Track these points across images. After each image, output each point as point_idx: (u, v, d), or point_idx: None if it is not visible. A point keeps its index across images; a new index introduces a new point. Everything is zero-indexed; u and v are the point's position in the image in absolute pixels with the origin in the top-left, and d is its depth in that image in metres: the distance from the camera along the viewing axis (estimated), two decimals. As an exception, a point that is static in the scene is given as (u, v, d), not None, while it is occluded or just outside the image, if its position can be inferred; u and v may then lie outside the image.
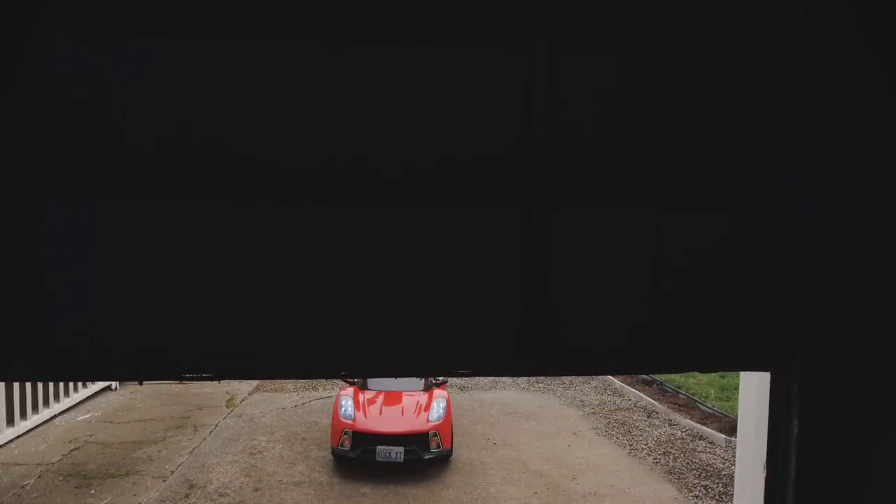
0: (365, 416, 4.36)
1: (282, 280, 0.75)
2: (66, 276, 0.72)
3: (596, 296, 0.81)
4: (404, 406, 4.52)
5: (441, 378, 4.89)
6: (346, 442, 4.22)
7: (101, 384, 5.99)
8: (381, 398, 4.61)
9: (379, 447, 4.16)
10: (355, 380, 4.72)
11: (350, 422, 4.30)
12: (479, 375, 0.85)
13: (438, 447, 4.28)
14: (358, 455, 4.17)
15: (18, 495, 3.79)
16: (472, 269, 0.78)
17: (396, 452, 4.15)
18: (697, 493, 4.11)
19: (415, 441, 4.23)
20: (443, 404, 4.54)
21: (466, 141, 0.77)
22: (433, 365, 0.81)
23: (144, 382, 6.49)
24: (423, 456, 4.20)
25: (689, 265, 0.83)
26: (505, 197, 0.78)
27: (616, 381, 7.05)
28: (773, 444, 0.95)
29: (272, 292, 0.75)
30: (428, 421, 4.35)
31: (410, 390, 4.70)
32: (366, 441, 4.18)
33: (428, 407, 4.48)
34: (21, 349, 0.73)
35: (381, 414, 4.43)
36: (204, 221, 0.73)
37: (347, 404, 4.44)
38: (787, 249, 0.84)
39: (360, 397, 4.56)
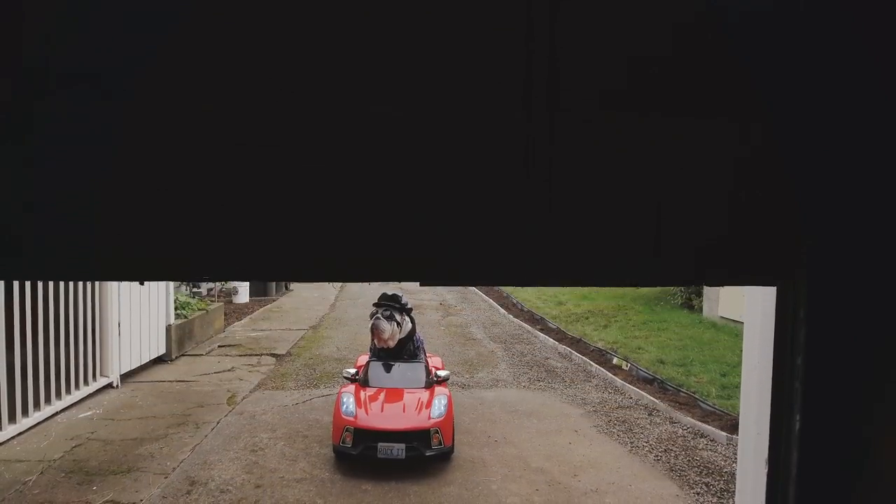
0: (366, 413, 4.36)
1: (266, 183, 0.73)
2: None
3: (600, 204, 0.78)
4: (406, 403, 4.50)
5: (443, 375, 4.90)
6: (348, 439, 4.23)
7: (101, 382, 6.00)
8: (382, 395, 4.60)
9: (380, 444, 4.17)
10: (357, 377, 4.77)
11: (351, 419, 4.30)
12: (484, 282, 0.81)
13: (440, 444, 4.29)
14: (359, 452, 4.18)
15: (21, 491, 3.79)
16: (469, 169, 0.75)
17: (398, 449, 4.16)
18: (699, 490, 4.12)
19: (416, 438, 4.23)
20: (444, 401, 4.52)
21: None
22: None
23: (145, 380, 6.49)
24: (425, 453, 4.22)
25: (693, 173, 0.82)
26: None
27: (617, 380, 7.06)
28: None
29: (259, 195, 0.73)
30: (430, 418, 4.35)
31: (412, 387, 4.69)
32: (367, 438, 4.18)
33: (429, 404, 4.47)
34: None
35: (382, 411, 4.43)
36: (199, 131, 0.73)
37: (349, 401, 4.44)
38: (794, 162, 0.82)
39: (362, 394, 4.55)
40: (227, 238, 0.74)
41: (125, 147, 0.73)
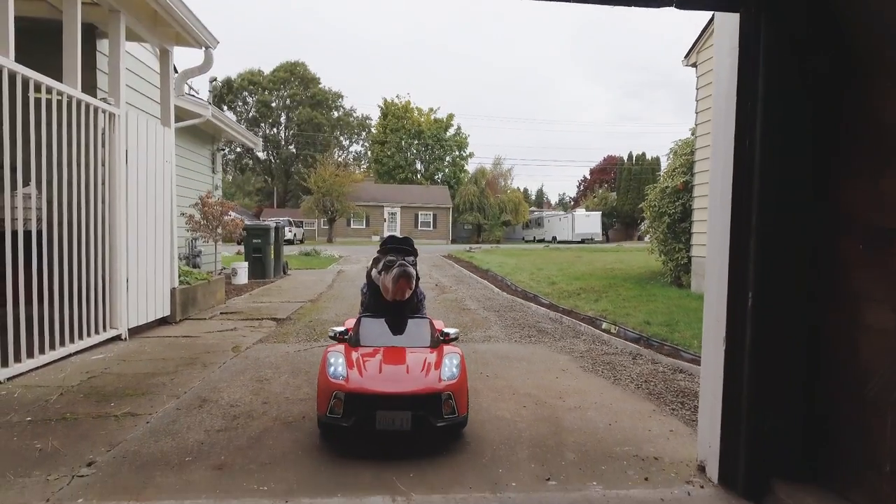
0: (360, 374, 3.44)
1: None
2: None
3: None
4: (409, 364, 3.56)
5: (452, 332, 3.98)
6: (338, 407, 3.33)
7: (111, 333, 6.27)
8: (380, 355, 3.65)
9: (380, 412, 3.29)
10: (346, 336, 3.88)
11: (342, 381, 3.38)
12: None
13: (453, 413, 3.42)
14: (352, 424, 3.31)
15: (44, 407, 4.07)
16: None
17: (402, 419, 3.29)
18: (674, 407, 4.42)
19: (424, 404, 3.35)
20: (456, 361, 3.64)
21: None
22: None
23: (151, 335, 6.76)
24: (436, 423, 3.36)
25: None
26: None
27: (605, 335, 7.37)
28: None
29: None
30: (440, 380, 3.45)
31: (415, 347, 3.79)
32: (362, 406, 3.31)
33: (439, 364, 3.58)
34: None
35: (380, 372, 3.49)
36: None
37: (337, 362, 3.52)
38: None
39: (354, 355, 3.63)
40: None
41: None
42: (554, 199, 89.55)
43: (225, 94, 61.48)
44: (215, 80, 42.21)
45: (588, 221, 54.72)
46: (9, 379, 4.63)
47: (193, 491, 2.84)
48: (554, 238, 53.68)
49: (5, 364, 4.64)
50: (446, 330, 4.03)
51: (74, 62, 5.57)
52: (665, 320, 7.91)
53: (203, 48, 7.83)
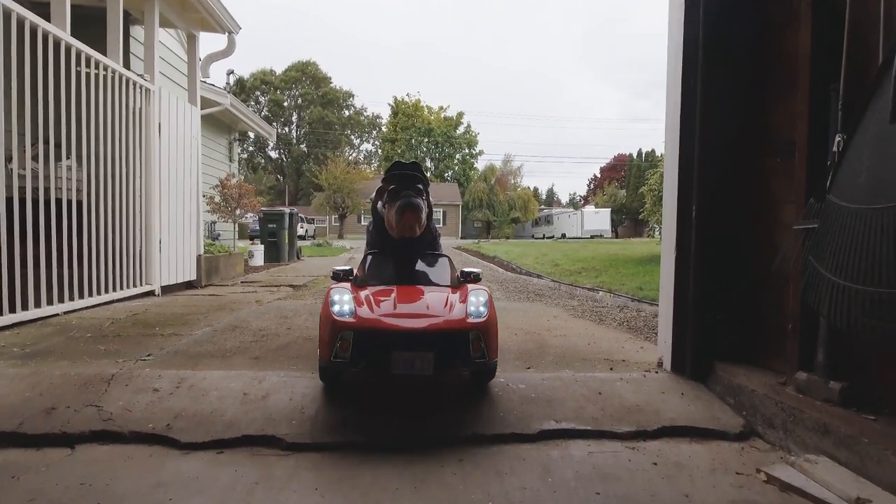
0: (371, 309, 2.82)
1: None
2: None
3: None
4: (429, 300, 2.97)
5: (474, 271, 3.41)
6: (344, 350, 2.72)
7: (146, 287, 6.93)
8: (394, 293, 3.03)
9: (396, 354, 2.68)
10: (352, 276, 3.27)
11: (349, 319, 2.76)
12: None
13: (483, 357, 2.83)
14: (362, 367, 2.77)
15: (99, 328, 4.72)
16: None
17: (423, 361, 2.68)
18: (648, 336, 4.99)
19: (450, 343, 2.74)
20: (483, 298, 3.04)
21: None
22: None
23: (181, 294, 7.42)
24: (463, 367, 2.89)
25: None
26: None
27: (597, 296, 7.94)
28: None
29: None
30: (467, 316, 2.84)
31: (433, 286, 3.23)
32: (376, 346, 2.70)
33: (464, 301, 2.97)
34: None
35: (395, 308, 2.86)
36: None
37: (343, 299, 2.89)
38: None
39: (362, 293, 3.00)
40: None
41: None
42: (565, 199, 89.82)
43: (237, 93, 62.53)
44: (232, 71, 43.09)
45: (597, 218, 55.11)
46: (65, 312, 5.30)
47: (236, 368, 3.47)
48: (563, 235, 54.07)
49: (61, 301, 5.30)
50: (467, 269, 3.42)
51: (117, 40, 6.24)
52: (658, 287, 8.46)
53: (226, 33, 8.50)
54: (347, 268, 3.30)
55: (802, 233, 2.64)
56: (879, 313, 2.15)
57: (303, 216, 45.38)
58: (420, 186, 3.42)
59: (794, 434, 2.65)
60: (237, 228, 14.51)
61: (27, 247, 4.77)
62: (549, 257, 17.37)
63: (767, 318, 3.17)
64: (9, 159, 4.80)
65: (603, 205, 60.23)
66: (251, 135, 19.64)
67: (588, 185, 78.27)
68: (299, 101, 66.95)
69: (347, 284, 3.13)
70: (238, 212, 13.18)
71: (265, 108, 65.47)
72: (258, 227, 15.87)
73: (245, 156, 63.91)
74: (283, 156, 68.61)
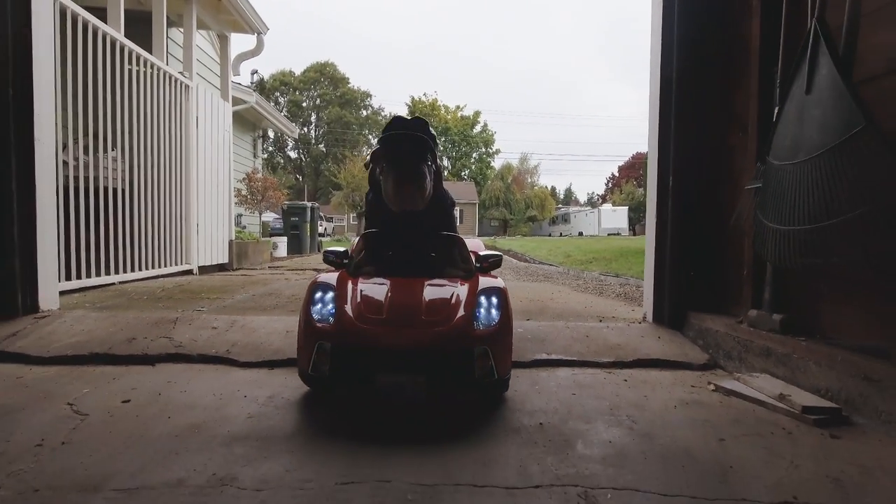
0: (354, 315, 2.26)
1: None
2: None
3: None
4: (427, 299, 2.36)
5: (491, 256, 2.91)
6: (322, 362, 2.25)
7: (185, 266, 7.60)
8: (386, 288, 2.43)
9: (382, 375, 2.20)
10: (346, 260, 2.74)
11: (328, 325, 2.28)
12: None
13: (490, 374, 2.25)
14: (345, 384, 2.43)
15: (152, 294, 5.36)
16: None
17: (414, 385, 2.19)
18: (642, 303, 5.49)
19: (447, 363, 2.23)
20: (496, 299, 2.44)
21: None
22: None
23: (214, 274, 8.08)
24: (463, 390, 2.47)
25: None
26: None
27: (602, 277, 8.43)
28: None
29: None
30: (473, 326, 2.28)
31: (439, 276, 2.62)
32: (357, 363, 2.23)
33: (471, 303, 2.37)
34: None
35: (385, 314, 2.27)
36: None
37: (325, 297, 2.41)
38: None
39: (349, 287, 2.45)
40: None
41: None
42: (583, 198, 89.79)
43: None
44: (257, 71, 44.19)
45: (615, 216, 55.16)
46: (120, 283, 5.97)
47: (278, 316, 4.07)
48: (580, 233, 54.24)
49: (117, 272, 5.97)
50: (484, 252, 2.94)
51: (161, 39, 6.92)
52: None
53: (255, 34, 9.16)
54: (342, 249, 2.79)
55: (752, 192, 3.16)
56: (806, 251, 2.66)
57: (321, 214, 46.37)
58: (423, 151, 2.77)
59: (746, 360, 3.17)
60: (261, 224, 15.23)
61: (90, 228, 5.44)
62: (562, 250, 17.84)
63: (731, 271, 3.67)
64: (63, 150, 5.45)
65: (620, 203, 60.27)
66: (270, 135, 20.43)
67: (606, 184, 78.27)
68: (318, 101, 68.03)
69: (335, 276, 2.57)
70: (263, 204, 13.88)
71: (284, 109, 66.62)
72: (278, 226, 16.60)
73: (265, 155, 65.13)
74: (301, 155, 69.78)
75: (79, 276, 5.27)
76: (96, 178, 5.72)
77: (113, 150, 6.26)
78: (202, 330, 3.57)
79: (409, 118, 2.95)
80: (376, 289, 2.46)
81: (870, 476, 1.83)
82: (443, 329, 2.25)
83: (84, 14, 5.18)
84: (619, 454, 1.98)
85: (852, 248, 2.37)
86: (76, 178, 5.36)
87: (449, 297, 2.42)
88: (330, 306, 2.37)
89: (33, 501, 1.54)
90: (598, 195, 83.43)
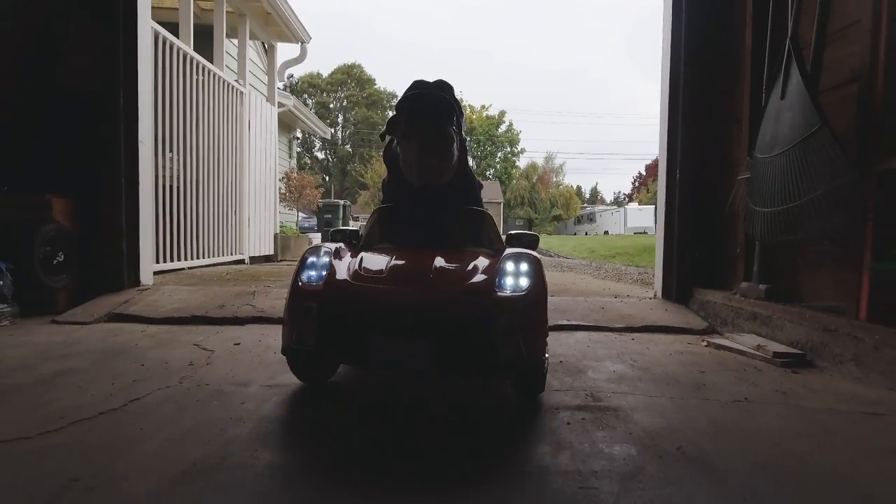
0: (349, 274, 2.01)
1: None
2: None
3: None
4: (441, 264, 2.03)
5: (527, 233, 2.52)
6: (307, 330, 1.91)
7: (238, 256, 8.38)
8: (394, 255, 2.15)
9: (374, 339, 1.81)
10: (354, 238, 2.51)
11: (317, 286, 2.00)
12: None
13: (517, 350, 1.78)
14: (333, 359, 2.22)
15: (220, 277, 6.11)
16: None
17: (415, 353, 1.78)
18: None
19: (458, 331, 1.78)
20: (528, 266, 2.03)
21: None
22: None
23: (262, 265, 8.84)
24: (481, 371, 1.94)
25: None
26: None
27: (623, 267, 8.96)
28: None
29: None
30: (495, 288, 1.89)
31: (463, 252, 2.25)
32: (346, 326, 1.86)
33: (493, 266, 2.01)
34: None
35: (385, 272, 1.99)
36: None
37: (317, 262, 2.12)
38: None
39: (348, 255, 2.22)
40: None
41: None
42: (609, 197, 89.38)
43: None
44: (292, 75, 45.45)
45: (641, 215, 54.89)
46: (189, 268, 6.75)
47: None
48: (606, 232, 54.18)
49: (187, 258, 6.75)
50: (516, 231, 2.55)
51: (221, 50, 7.69)
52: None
53: (300, 42, 9.91)
54: (352, 229, 2.54)
55: (743, 182, 3.72)
56: (785, 229, 3.22)
57: (351, 213, 47.34)
58: (448, 111, 2.47)
59: (737, 324, 3.73)
60: (297, 221, 16.10)
61: (169, 220, 6.21)
62: (587, 246, 18.32)
63: (729, 251, 4.23)
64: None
65: (647, 202, 60.01)
66: (299, 135, 21.29)
67: (633, 183, 77.86)
68: (344, 102, 69.30)
69: (336, 245, 2.31)
70: (301, 202, 14.70)
71: (312, 110, 68.02)
72: (306, 224, 17.56)
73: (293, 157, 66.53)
74: (328, 156, 71.15)
75: (161, 261, 6.03)
76: (170, 177, 6.49)
77: (178, 151, 7.03)
78: (278, 300, 4.26)
79: (430, 81, 2.60)
80: (380, 256, 2.14)
81: (811, 391, 2.40)
82: (454, 287, 1.86)
83: (168, 35, 5.94)
84: (620, 377, 2.59)
85: (815, 224, 2.93)
86: (156, 176, 6.12)
87: (466, 260, 2.04)
88: (323, 271, 2.04)
89: (206, 390, 2.24)
90: (624, 194, 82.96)
